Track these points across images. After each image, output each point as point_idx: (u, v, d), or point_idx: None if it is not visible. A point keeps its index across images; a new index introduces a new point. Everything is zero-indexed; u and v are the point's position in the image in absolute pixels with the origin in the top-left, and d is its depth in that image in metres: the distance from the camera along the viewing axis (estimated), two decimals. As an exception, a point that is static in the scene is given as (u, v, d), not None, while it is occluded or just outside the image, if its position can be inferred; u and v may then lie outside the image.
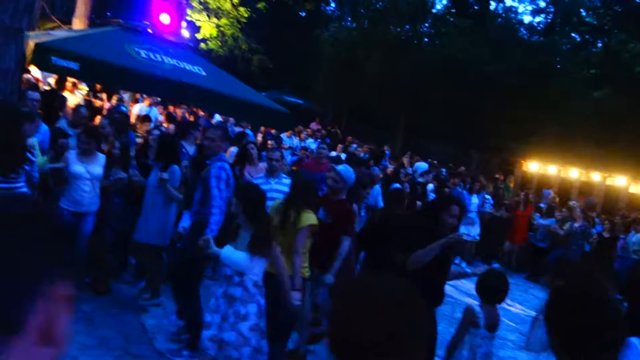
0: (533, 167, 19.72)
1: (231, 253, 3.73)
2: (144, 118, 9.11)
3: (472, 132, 21.93)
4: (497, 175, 17.40)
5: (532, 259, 11.72)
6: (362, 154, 14.81)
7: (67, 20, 14.50)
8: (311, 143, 15.05)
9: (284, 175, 6.26)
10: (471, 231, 11.03)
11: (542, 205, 13.32)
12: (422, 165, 15.96)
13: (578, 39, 25.96)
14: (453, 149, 22.76)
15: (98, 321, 5.22)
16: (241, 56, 20.21)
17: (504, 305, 8.58)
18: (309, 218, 4.45)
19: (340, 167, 5.46)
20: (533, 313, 8.24)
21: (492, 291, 3.85)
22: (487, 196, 12.30)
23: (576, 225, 10.82)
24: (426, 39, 25.29)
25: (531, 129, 20.88)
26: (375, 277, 1.31)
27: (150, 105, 11.63)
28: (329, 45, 23.17)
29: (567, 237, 10.78)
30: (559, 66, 25.08)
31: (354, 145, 15.68)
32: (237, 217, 3.89)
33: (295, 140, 14.53)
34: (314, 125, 18.51)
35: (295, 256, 4.31)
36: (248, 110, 8.19)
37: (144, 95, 11.63)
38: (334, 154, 13.91)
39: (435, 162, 16.42)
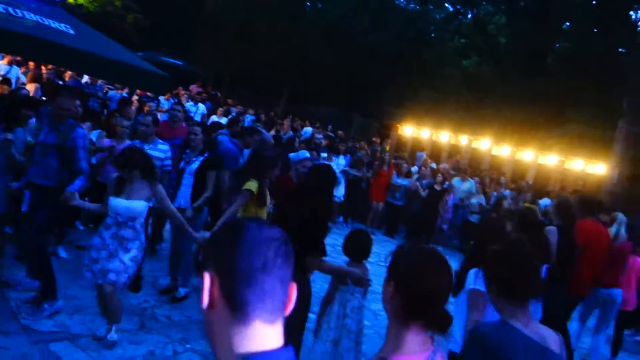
0: (408, 130, 20.71)
1: (129, 203, 4.30)
2: (3, 80, 8.38)
3: (353, 96, 22.58)
4: (374, 139, 18.12)
5: (387, 217, 12.24)
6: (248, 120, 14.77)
7: None
8: (191, 106, 14.68)
9: (160, 141, 6.17)
10: (336, 192, 11.42)
11: (415, 167, 14.09)
12: (308, 130, 16.24)
13: (450, 9, 27.35)
14: (336, 113, 23.31)
15: (-40, 297, 4.87)
16: (114, 14, 18.99)
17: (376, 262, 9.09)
18: (248, 185, 4.92)
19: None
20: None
21: (357, 249, 4.11)
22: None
23: (424, 182, 11.65)
24: (308, 3, 25.35)
25: (407, 94, 21.90)
26: (423, 245, 1.91)
27: (10, 63, 10.66)
28: (211, 6, 22.45)
29: (415, 193, 11.61)
30: (433, 35, 26.34)
31: (233, 110, 15.52)
32: (126, 173, 4.38)
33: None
34: (194, 88, 18.00)
35: (227, 211, 5.00)
36: (120, 71, 7.72)
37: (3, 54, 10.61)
38: (214, 118, 13.73)
39: (317, 125, 16.83)
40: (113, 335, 4.47)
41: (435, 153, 19.23)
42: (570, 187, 15.01)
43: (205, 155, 5.94)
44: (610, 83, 15.27)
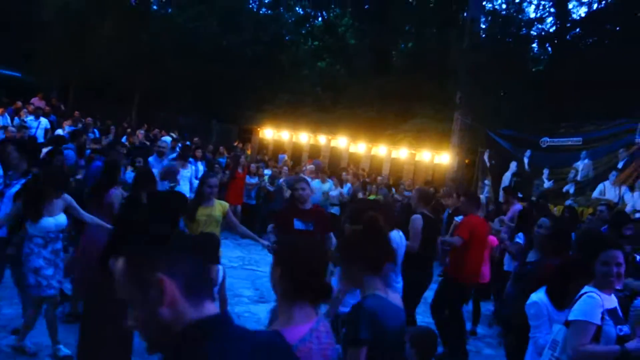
0: (268, 133, 20.96)
1: (55, 219, 4.66)
2: None
3: (211, 102, 22.32)
4: (235, 144, 18.10)
5: (244, 217, 12.23)
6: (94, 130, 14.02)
7: None
8: (32, 121, 13.59)
9: None
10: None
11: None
12: (167, 139, 15.69)
13: (301, 13, 28.07)
14: (195, 120, 22.91)
15: None
16: None
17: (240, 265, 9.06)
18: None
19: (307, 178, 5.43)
20: (260, 269, 8.92)
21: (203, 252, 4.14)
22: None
23: (281, 180, 11.89)
24: (155, 7, 24.62)
25: (265, 98, 22.12)
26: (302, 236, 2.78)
27: None
28: (49, 10, 20.84)
29: (275, 192, 11.80)
30: (287, 37, 26.85)
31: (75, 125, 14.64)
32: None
33: (9, 119, 12.96)
34: (35, 101, 16.69)
35: None
36: None
37: None
38: (59, 131, 12.86)
39: (173, 134, 16.40)
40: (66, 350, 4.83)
41: (297, 154, 19.66)
42: (421, 178, 16.18)
43: (29, 177, 5.32)
44: (446, 79, 16.64)
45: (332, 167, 17.95)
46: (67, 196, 4.89)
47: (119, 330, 3.76)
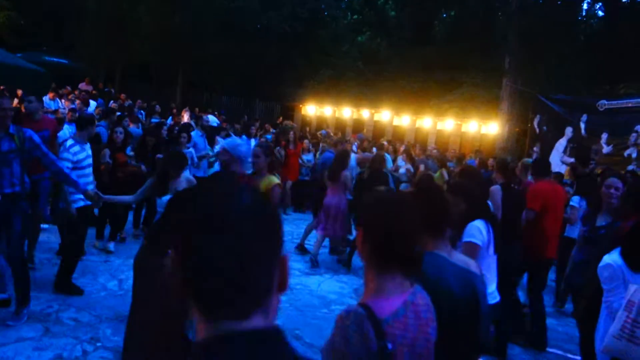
0: (311, 110, 20.87)
1: None
2: None
3: (253, 81, 22.36)
4: (278, 121, 18.07)
5: (296, 193, 11.80)
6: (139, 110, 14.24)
7: None
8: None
9: None
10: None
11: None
12: (213, 120, 15.76)
13: (339, -14, 27.63)
14: (237, 99, 23.03)
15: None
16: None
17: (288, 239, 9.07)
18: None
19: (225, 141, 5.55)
20: (309, 242, 8.88)
21: None
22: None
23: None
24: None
25: (306, 74, 21.99)
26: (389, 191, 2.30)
27: None
28: (90, 1, 21.24)
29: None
30: (326, 13, 26.52)
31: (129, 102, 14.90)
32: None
33: (61, 103, 13.25)
34: (83, 86, 17.06)
35: None
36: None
37: None
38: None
39: (216, 113, 16.50)
40: None
41: (340, 129, 19.53)
42: (468, 149, 15.77)
43: None
44: (492, 45, 16.09)
45: (376, 140, 17.75)
46: (191, 177, 5.44)
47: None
